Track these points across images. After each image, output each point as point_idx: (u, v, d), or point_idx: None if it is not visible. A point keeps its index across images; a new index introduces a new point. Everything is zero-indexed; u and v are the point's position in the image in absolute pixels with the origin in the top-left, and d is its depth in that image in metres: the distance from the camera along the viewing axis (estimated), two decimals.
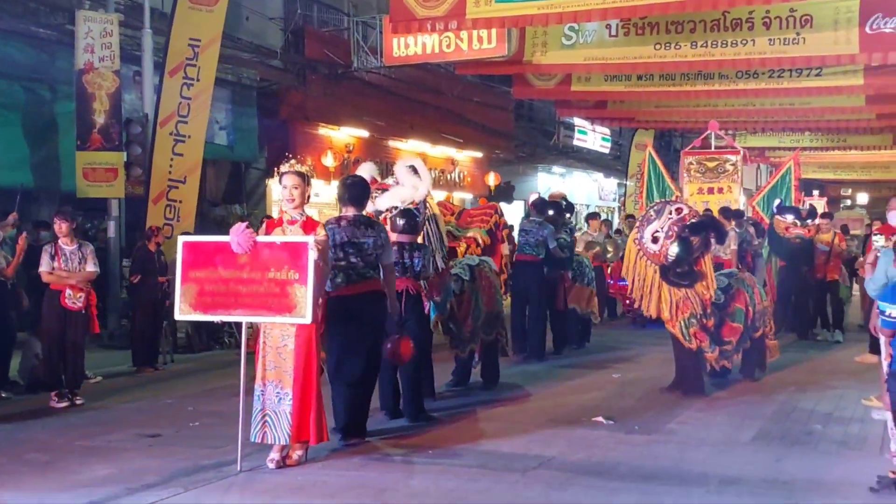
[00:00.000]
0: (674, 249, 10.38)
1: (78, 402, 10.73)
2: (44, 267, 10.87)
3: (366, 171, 10.00)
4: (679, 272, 10.49)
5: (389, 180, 10.17)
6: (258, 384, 7.66)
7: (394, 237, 9.27)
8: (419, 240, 9.71)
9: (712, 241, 10.83)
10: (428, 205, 9.93)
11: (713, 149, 20.15)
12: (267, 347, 7.67)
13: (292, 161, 7.89)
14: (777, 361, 12.45)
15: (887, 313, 6.89)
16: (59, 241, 10.98)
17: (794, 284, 16.29)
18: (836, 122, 24.12)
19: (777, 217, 16.52)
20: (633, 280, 10.82)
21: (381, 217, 9.53)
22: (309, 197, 7.90)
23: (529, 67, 18.34)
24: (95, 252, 11.43)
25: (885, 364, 7.41)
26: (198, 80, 16.25)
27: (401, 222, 9.53)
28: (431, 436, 8.86)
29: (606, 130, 35.39)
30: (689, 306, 10.64)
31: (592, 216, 19.89)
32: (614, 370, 12.91)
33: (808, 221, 16.11)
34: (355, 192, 8.65)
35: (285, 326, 7.59)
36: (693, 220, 10.49)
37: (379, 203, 9.68)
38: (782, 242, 16.18)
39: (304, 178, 7.87)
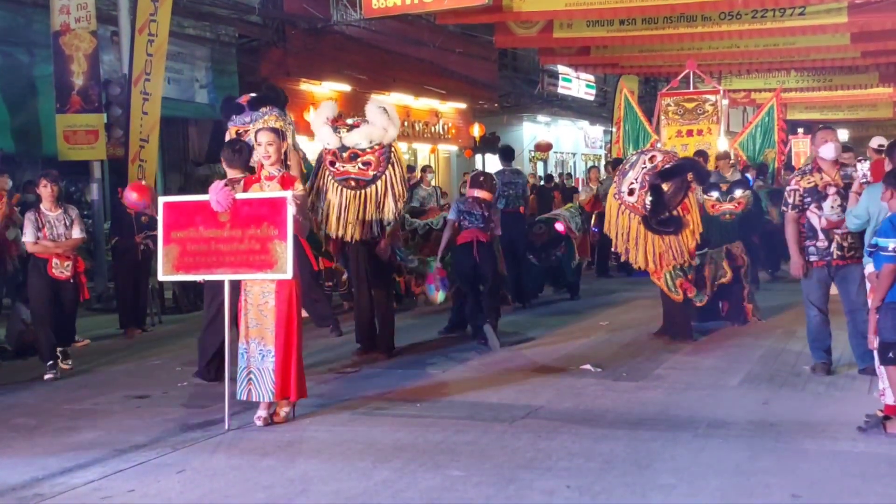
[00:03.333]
0: (649, 199, 10.31)
1: (65, 365, 10.47)
2: (28, 237, 10.32)
3: (328, 108, 10.03)
4: (661, 220, 10.41)
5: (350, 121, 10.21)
6: (241, 342, 7.66)
7: (474, 192, 11.02)
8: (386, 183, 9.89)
9: (691, 183, 10.73)
10: (393, 149, 9.95)
11: (692, 89, 19.89)
12: (248, 305, 7.65)
13: (265, 117, 7.82)
14: (765, 306, 12.45)
15: (891, 248, 6.83)
16: (42, 207, 10.38)
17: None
18: (821, 61, 24.03)
19: (704, 197, 14.29)
20: (617, 234, 10.73)
21: (346, 153, 9.75)
22: (286, 152, 7.84)
23: (510, 15, 18.19)
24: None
25: (869, 300, 7.39)
26: (157, 36, 16.06)
27: (481, 179, 11.15)
28: (419, 388, 8.88)
29: (591, 78, 35.26)
30: (672, 258, 10.57)
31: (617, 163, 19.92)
32: (601, 318, 12.93)
33: (737, 194, 14.32)
34: (245, 155, 8.87)
35: (265, 283, 7.56)
36: (666, 167, 10.36)
37: (347, 139, 9.77)
38: (712, 221, 13.88)
39: (279, 134, 7.81)
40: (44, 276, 10.34)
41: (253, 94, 9.43)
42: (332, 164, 9.87)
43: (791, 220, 8.95)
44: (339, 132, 9.79)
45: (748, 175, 15.72)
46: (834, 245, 8.66)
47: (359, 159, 9.76)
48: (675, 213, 10.38)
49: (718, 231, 14.05)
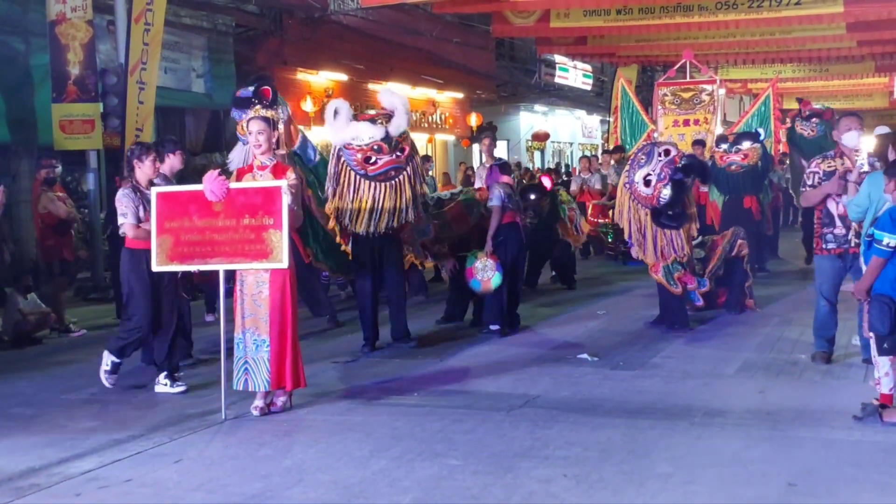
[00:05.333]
0: (666, 192, 10.32)
1: (177, 388, 8.63)
2: (130, 219, 8.43)
3: (346, 107, 9.79)
4: (671, 214, 10.45)
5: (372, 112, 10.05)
6: (237, 333, 7.66)
7: (504, 178, 11.15)
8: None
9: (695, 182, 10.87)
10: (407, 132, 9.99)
11: (689, 79, 19.84)
12: (243, 295, 7.64)
13: (257, 106, 7.83)
14: (761, 294, 12.46)
15: (885, 242, 6.84)
16: (141, 185, 8.56)
17: (740, 216, 14.26)
18: (817, 51, 24.02)
19: (713, 149, 15.16)
20: (629, 224, 10.77)
21: (375, 145, 9.64)
22: (279, 141, 7.82)
23: (507, 4, 18.21)
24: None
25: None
26: (153, 25, 15.98)
27: (508, 166, 11.70)
28: (416, 378, 8.90)
29: (588, 67, 35.24)
30: (672, 253, 10.61)
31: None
32: (598, 307, 12.92)
33: (745, 145, 14.36)
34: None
35: (259, 273, 7.55)
36: (684, 163, 10.46)
37: (392, 129, 9.66)
38: (720, 174, 14.46)
39: (270, 123, 7.81)
40: (150, 271, 8.27)
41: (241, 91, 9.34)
42: (368, 160, 9.67)
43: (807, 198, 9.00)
44: (378, 123, 9.67)
45: (759, 130, 15.63)
46: (852, 233, 8.62)
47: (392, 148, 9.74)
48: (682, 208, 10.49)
49: (726, 183, 14.11)
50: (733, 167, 14.09)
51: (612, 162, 18.61)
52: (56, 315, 12.09)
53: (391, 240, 10.20)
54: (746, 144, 14.18)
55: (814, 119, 16.91)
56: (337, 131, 9.68)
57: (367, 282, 10.26)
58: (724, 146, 14.32)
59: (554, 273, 15.56)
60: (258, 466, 6.34)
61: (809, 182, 8.90)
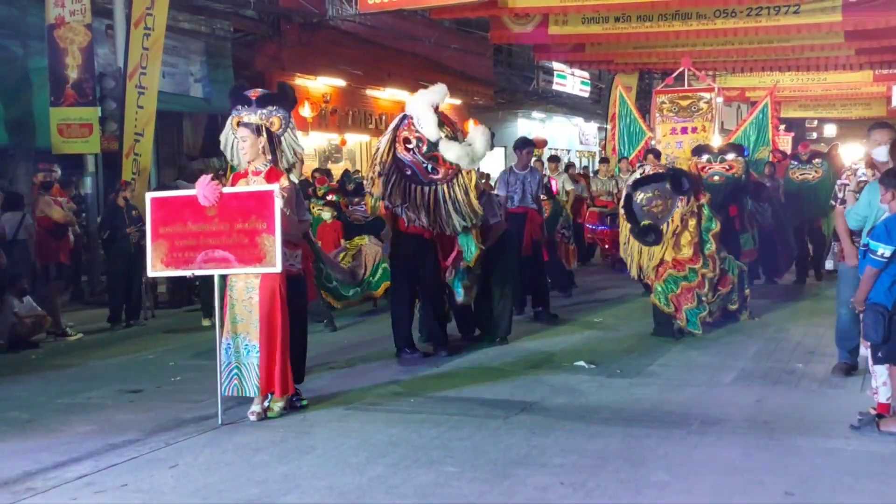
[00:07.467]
0: (622, 208, 10.70)
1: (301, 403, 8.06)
2: None
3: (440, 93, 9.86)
4: (638, 231, 10.62)
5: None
6: (226, 337, 7.66)
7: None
8: None
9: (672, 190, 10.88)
10: (461, 176, 9.97)
11: (686, 87, 19.78)
12: (232, 300, 7.66)
13: (271, 118, 7.86)
14: (758, 303, 12.47)
15: (879, 253, 6.85)
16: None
17: (725, 226, 13.62)
18: (815, 59, 24.00)
19: (693, 159, 14.43)
20: (620, 241, 11.07)
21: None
22: (265, 147, 7.82)
23: (505, 10, 18.18)
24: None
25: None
26: (153, 30, 15.98)
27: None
28: (413, 385, 8.88)
29: (586, 74, 35.24)
30: (667, 271, 10.68)
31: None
32: (595, 314, 12.92)
33: (730, 157, 14.00)
34: None
35: (249, 278, 7.57)
36: (640, 176, 10.70)
37: (442, 147, 9.74)
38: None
39: (254, 130, 7.82)
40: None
41: (264, 91, 9.37)
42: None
43: (841, 213, 8.82)
44: (443, 130, 9.72)
45: (745, 146, 15.51)
46: None
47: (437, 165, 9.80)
48: (653, 221, 10.58)
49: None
50: (716, 178, 13.89)
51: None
52: (52, 319, 12.07)
53: None
54: (732, 156, 14.03)
55: (815, 160, 16.66)
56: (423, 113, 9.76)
57: None
58: (707, 157, 14.10)
59: (549, 280, 15.50)
60: (254, 472, 6.33)
61: (841, 195, 8.77)
